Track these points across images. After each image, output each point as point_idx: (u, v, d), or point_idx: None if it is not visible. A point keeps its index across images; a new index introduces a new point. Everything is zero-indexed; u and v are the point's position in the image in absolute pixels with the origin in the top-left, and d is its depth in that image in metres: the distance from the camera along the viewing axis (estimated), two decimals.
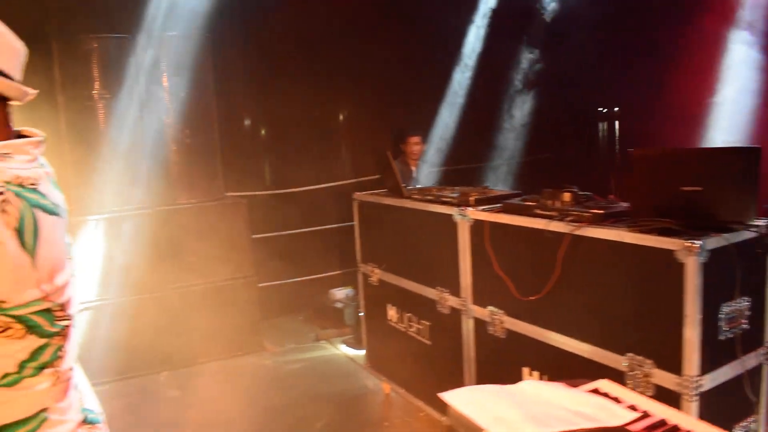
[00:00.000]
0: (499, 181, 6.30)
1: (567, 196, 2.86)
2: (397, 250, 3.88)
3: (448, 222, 3.32)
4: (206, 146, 5.05)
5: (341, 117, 6.19)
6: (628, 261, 2.43)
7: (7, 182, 1.18)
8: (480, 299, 3.23)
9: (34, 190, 1.22)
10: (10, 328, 1.17)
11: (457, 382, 3.41)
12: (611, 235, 2.49)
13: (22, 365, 1.21)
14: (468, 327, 3.31)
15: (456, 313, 3.39)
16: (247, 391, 4.57)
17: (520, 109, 6.42)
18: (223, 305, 5.06)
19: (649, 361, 2.41)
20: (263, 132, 5.94)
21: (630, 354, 2.47)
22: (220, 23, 5.13)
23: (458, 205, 3.27)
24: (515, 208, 2.98)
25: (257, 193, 5.73)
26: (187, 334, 4.95)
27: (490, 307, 3.13)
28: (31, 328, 1.20)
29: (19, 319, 1.18)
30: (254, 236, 5.37)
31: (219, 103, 5.11)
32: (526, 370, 2.99)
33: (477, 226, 3.16)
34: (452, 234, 3.30)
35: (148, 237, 4.82)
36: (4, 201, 1.15)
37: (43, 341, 1.23)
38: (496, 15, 6.24)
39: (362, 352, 4.99)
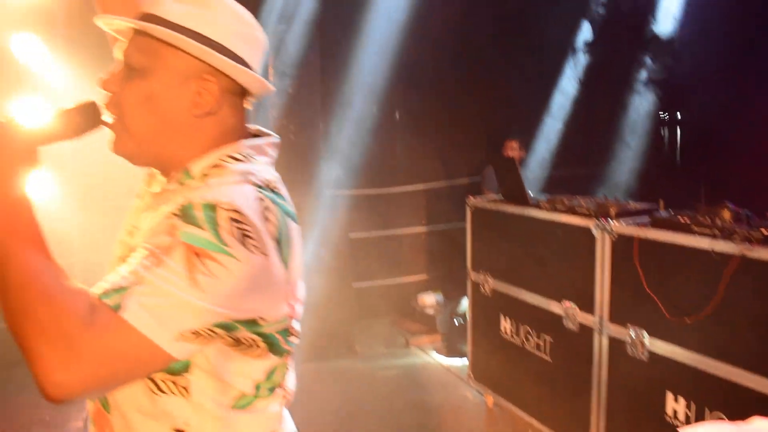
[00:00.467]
0: (604, 189, 6.10)
1: (727, 213, 2.69)
2: (516, 260, 3.74)
3: (585, 235, 3.17)
4: (310, 143, 5.00)
5: (438, 119, 6.09)
6: None
7: (261, 187, 1.10)
8: (618, 317, 3.07)
9: (280, 195, 1.14)
10: (254, 346, 1.10)
11: (582, 402, 3.28)
12: None
13: (258, 386, 1.14)
14: (601, 346, 3.16)
15: (586, 331, 3.24)
16: (346, 396, 4.49)
17: (627, 117, 6.22)
18: (316, 305, 5.00)
19: None
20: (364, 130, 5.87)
21: None
22: (328, 19, 5.08)
23: (597, 218, 3.12)
24: (668, 224, 2.81)
25: (354, 192, 5.67)
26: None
27: (631, 327, 2.97)
28: (271, 346, 1.12)
29: (265, 337, 1.10)
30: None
31: (324, 100, 5.07)
32: (670, 396, 2.83)
33: (621, 241, 3.00)
34: (589, 247, 3.15)
35: None
36: (266, 209, 1.07)
37: (277, 361, 1.16)
38: (606, 24, 6.07)
39: (455, 361, 4.90)
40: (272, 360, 1.14)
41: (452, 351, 5.03)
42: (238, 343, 1.07)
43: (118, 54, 1.18)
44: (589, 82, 6.14)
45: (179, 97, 1.13)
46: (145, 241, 1.02)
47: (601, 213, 3.13)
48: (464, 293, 5.22)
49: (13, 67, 4.77)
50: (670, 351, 2.81)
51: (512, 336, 3.82)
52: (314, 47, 4.94)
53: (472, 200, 4.10)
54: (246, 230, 1.01)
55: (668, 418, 2.83)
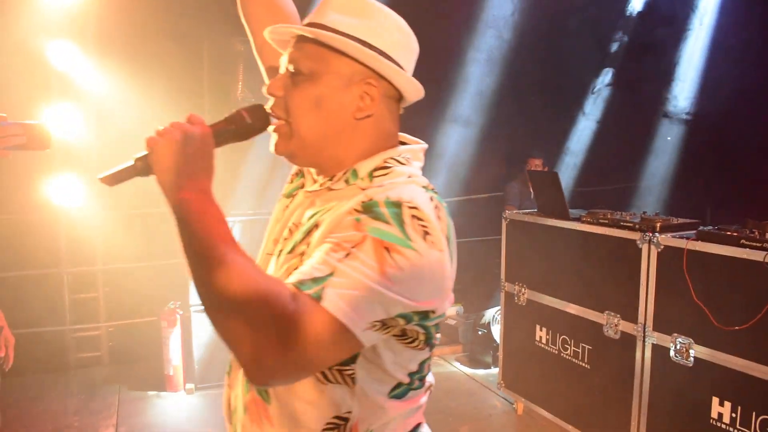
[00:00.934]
0: (628, 206, 6.28)
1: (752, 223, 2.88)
2: (554, 271, 3.89)
3: (630, 247, 3.33)
4: None
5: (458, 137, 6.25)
6: None
7: (426, 188, 1.20)
8: (661, 326, 3.23)
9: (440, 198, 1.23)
10: (416, 339, 1.17)
11: (623, 407, 3.42)
12: None
13: (411, 377, 1.22)
14: (644, 353, 3.31)
15: (628, 339, 3.39)
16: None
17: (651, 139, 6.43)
18: None
19: None
20: None
21: None
22: None
23: (643, 231, 3.29)
24: (716, 238, 2.99)
25: None
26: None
27: (677, 335, 3.13)
28: (427, 340, 1.19)
29: (426, 330, 1.17)
30: None
31: None
32: (716, 401, 2.98)
33: (667, 253, 3.17)
34: (633, 259, 3.31)
35: None
36: (436, 208, 1.15)
37: (428, 353, 1.24)
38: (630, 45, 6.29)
39: (478, 371, 5.02)
40: (425, 352, 1.22)
41: (475, 362, 5.16)
42: (403, 334, 1.14)
43: (282, 62, 1.27)
44: (612, 107, 6.35)
45: (345, 100, 1.21)
46: (328, 235, 1.09)
47: (646, 227, 3.30)
48: (485, 304, 5.38)
49: (50, 73, 4.84)
50: (716, 357, 2.96)
51: (548, 345, 3.96)
52: None
53: (508, 213, 4.25)
54: (426, 227, 1.08)
55: (713, 422, 2.98)
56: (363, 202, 1.11)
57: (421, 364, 1.24)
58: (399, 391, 1.21)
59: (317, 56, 1.21)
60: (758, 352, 2.79)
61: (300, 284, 1.00)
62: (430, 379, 1.31)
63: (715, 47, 5.93)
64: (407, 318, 1.09)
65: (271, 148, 1.27)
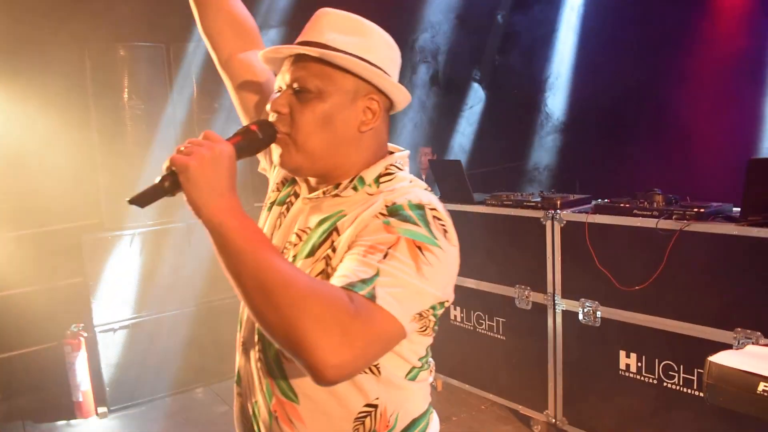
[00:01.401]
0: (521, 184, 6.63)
1: (659, 198, 3.28)
2: (464, 253, 4.10)
3: (535, 224, 3.65)
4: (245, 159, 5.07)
5: None
6: (736, 250, 2.87)
7: (426, 189, 1.33)
8: (569, 293, 3.57)
9: None
10: (429, 327, 1.27)
11: (540, 371, 3.75)
12: (719, 229, 2.93)
13: (421, 360, 1.36)
14: (555, 319, 3.65)
15: (539, 308, 3.72)
16: None
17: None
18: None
19: (757, 333, 2.85)
20: None
21: (738, 329, 2.91)
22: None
23: (545, 209, 3.61)
24: (613, 210, 3.36)
25: None
26: (218, 348, 4.94)
27: (585, 300, 3.48)
28: (434, 326, 1.31)
29: (436, 318, 1.27)
30: None
31: None
32: (623, 353, 3.37)
33: (569, 227, 3.51)
34: (538, 235, 3.63)
35: (178, 251, 4.79)
36: (432, 208, 1.23)
37: (431, 338, 1.36)
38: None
39: None
40: (431, 338, 1.35)
41: None
42: (424, 327, 1.25)
43: (281, 81, 1.33)
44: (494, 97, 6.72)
45: (350, 115, 1.30)
46: (357, 238, 1.19)
47: (548, 205, 3.63)
48: None
49: None
50: (620, 315, 3.35)
51: (463, 322, 4.23)
52: None
53: None
54: (444, 225, 1.21)
55: (622, 372, 3.37)
56: (387, 206, 1.21)
57: (427, 348, 1.37)
58: (413, 374, 1.34)
59: (323, 75, 1.28)
60: (656, 307, 3.20)
61: (351, 286, 1.07)
62: (431, 360, 1.44)
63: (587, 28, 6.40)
64: (434, 308, 1.20)
65: (276, 160, 1.33)
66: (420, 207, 1.20)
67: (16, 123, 4.43)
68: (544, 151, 6.38)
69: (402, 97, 1.37)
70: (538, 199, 3.73)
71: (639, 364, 3.30)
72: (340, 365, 1.00)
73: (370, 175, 1.33)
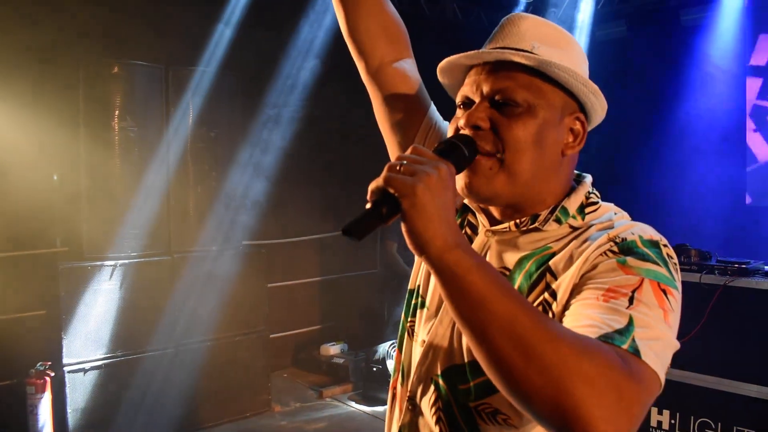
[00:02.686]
0: None
1: (694, 252, 3.30)
2: None
3: None
4: (227, 192, 4.81)
5: (329, 175, 6.20)
6: None
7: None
8: None
9: None
10: None
11: None
12: (764, 285, 2.96)
13: None
14: None
15: None
16: None
17: None
18: (232, 361, 4.76)
19: None
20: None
21: None
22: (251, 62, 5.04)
23: None
24: None
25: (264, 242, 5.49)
26: (195, 394, 4.57)
27: None
28: None
29: None
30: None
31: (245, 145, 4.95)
32: (654, 410, 3.30)
33: None
34: None
35: (162, 286, 4.45)
36: (665, 245, 1.09)
37: None
38: None
39: (376, 409, 4.98)
40: None
41: (370, 399, 5.10)
42: None
43: (467, 91, 1.15)
44: None
45: (558, 135, 1.13)
46: (584, 280, 1.02)
47: None
48: (373, 341, 5.37)
49: None
50: None
51: None
52: (232, 88, 4.85)
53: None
54: (677, 265, 1.06)
55: (653, 430, 3.29)
56: (615, 242, 1.04)
57: None
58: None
59: (533, 86, 1.10)
60: (695, 363, 3.18)
61: (608, 338, 0.89)
62: None
63: None
64: None
65: (461, 185, 1.12)
66: (655, 244, 1.03)
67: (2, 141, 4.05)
68: None
69: (601, 115, 1.20)
70: None
71: (672, 422, 3.23)
72: (623, 423, 0.82)
73: (572, 204, 1.14)
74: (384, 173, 0.92)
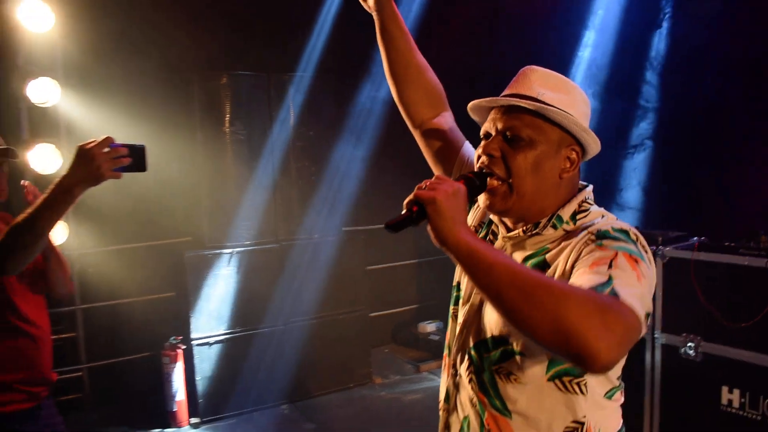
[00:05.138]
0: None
1: (764, 238, 3.37)
2: None
3: None
4: (327, 185, 5.28)
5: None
6: None
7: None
8: (670, 328, 3.65)
9: None
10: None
11: (635, 405, 3.81)
12: None
13: (617, 378, 1.51)
14: (654, 353, 3.72)
15: (638, 341, 3.79)
16: (384, 424, 4.77)
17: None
18: (336, 337, 5.26)
19: None
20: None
21: None
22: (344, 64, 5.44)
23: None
24: (719, 248, 3.46)
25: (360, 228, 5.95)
26: (302, 367, 5.10)
27: (686, 335, 3.56)
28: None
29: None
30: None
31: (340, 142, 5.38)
32: (725, 389, 3.43)
33: (672, 263, 3.60)
34: None
35: (271, 271, 4.99)
36: (634, 232, 1.38)
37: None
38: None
39: None
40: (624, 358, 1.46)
41: None
42: None
43: (488, 127, 1.51)
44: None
45: (555, 163, 1.46)
46: (579, 263, 1.31)
47: (649, 241, 3.72)
48: None
49: (33, 111, 4.70)
50: (724, 351, 3.41)
51: None
52: (332, 91, 5.27)
53: None
54: (645, 246, 1.35)
55: (723, 408, 3.42)
56: (593, 233, 1.35)
57: (621, 368, 1.51)
58: (610, 393, 1.48)
59: (535, 125, 1.44)
60: (763, 344, 3.26)
61: (595, 288, 1.18)
62: (622, 382, 1.57)
63: None
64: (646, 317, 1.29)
65: (485, 204, 1.49)
66: (624, 230, 1.35)
67: (131, 140, 4.69)
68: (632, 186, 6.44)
69: (595, 148, 1.52)
70: None
71: (742, 400, 3.35)
72: (608, 349, 1.08)
73: (566, 213, 1.48)
74: (414, 191, 1.31)
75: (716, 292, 3.43)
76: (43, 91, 4.66)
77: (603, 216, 1.49)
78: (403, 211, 1.32)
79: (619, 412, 1.55)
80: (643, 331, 1.22)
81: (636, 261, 1.27)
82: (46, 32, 4.63)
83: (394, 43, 1.83)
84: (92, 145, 1.84)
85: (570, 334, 1.09)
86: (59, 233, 4.72)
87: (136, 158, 1.91)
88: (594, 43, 5.98)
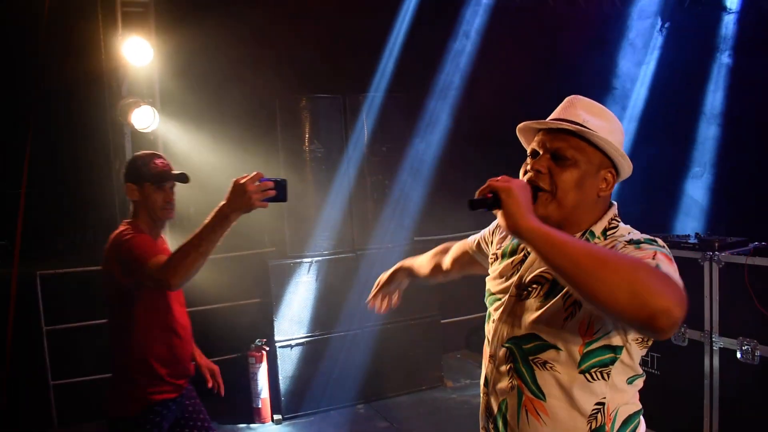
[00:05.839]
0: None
1: None
2: None
3: (692, 265, 3.85)
4: (399, 197, 5.60)
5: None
6: None
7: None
8: (727, 331, 3.73)
9: None
10: (646, 339, 1.63)
11: (695, 408, 3.89)
12: None
13: (640, 366, 1.70)
14: (712, 357, 3.81)
15: (695, 345, 3.89)
16: (454, 424, 5.00)
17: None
18: (408, 342, 5.54)
19: None
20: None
21: None
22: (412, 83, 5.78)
23: (703, 251, 3.82)
24: None
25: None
26: (375, 369, 5.41)
27: (743, 338, 3.64)
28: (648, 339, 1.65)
29: None
30: None
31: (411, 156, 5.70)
32: None
33: (728, 268, 3.69)
34: (695, 275, 3.83)
35: (347, 278, 5.34)
36: (661, 243, 1.58)
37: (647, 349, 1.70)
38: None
39: None
40: (646, 349, 1.69)
41: None
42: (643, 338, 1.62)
43: (534, 146, 1.75)
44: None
45: (594, 183, 1.68)
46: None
47: (706, 247, 3.83)
48: None
49: (134, 134, 5.28)
50: None
51: None
52: (401, 110, 5.61)
53: None
54: (665, 248, 1.54)
55: None
56: (627, 242, 1.56)
57: (642, 358, 1.73)
58: (632, 379, 1.69)
59: (579, 148, 1.68)
60: None
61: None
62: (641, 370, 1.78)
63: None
64: None
65: (536, 209, 1.69)
66: (654, 240, 1.56)
67: (220, 160, 5.19)
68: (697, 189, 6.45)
69: (628, 171, 1.75)
70: (695, 241, 3.93)
71: None
72: (678, 307, 1.25)
73: (598, 228, 1.71)
74: (488, 182, 1.56)
75: None
76: (144, 118, 5.22)
77: (630, 232, 1.69)
78: (479, 197, 1.57)
79: (638, 396, 1.76)
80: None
81: (670, 260, 1.48)
82: (146, 66, 5.21)
83: (420, 280, 2.55)
84: (245, 179, 2.26)
85: (646, 294, 1.26)
86: None
87: (279, 190, 2.31)
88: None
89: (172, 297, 2.83)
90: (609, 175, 1.71)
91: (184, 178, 2.80)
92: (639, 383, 1.74)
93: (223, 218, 2.29)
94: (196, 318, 5.50)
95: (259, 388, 5.09)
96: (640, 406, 1.76)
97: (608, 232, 1.70)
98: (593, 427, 1.66)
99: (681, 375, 4.01)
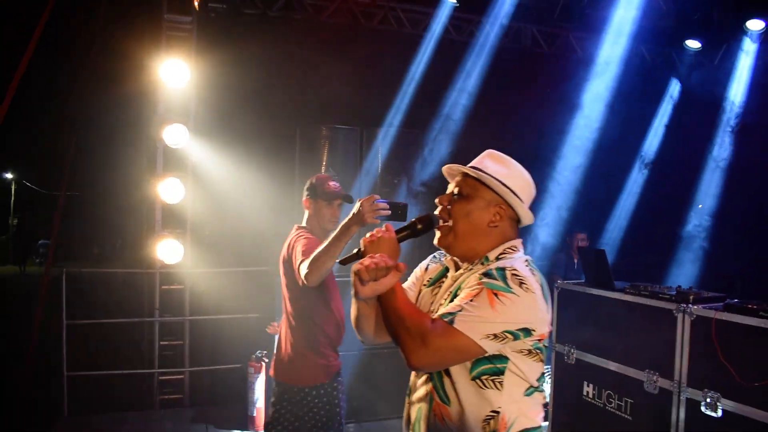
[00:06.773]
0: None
1: None
2: (599, 334, 4.52)
3: (667, 315, 3.97)
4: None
5: None
6: None
7: (526, 259, 1.99)
8: (694, 383, 3.82)
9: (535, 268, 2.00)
10: (537, 354, 1.90)
11: None
12: None
13: (537, 380, 1.93)
14: (679, 406, 3.89)
15: (665, 393, 3.98)
16: None
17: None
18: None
19: None
20: None
21: None
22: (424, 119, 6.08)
23: (678, 302, 3.93)
24: (741, 310, 3.62)
25: None
26: (370, 391, 5.61)
27: (707, 390, 3.72)
28: (541, 356, 1.92)
29: (540, 349, 1.91)
30: None
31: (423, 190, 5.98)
32: None
33: (699, 321, 3.79)
34: (670, 326, 3.94)
35: (347, 298, 5.57)
36: (531, 268, 1.94)
37: (543, 367, 1.95)
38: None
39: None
40: (542, 366, 1.94)
41: None
42: (529, 352, 1.88)
43: (451, 186, 2.09)
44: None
45: (484, 215, 2.04)
46: (463, 293, 1.89)
47: (681, 299, 3.94)
48: None
49: (166, 152, 5.70)
50: (741, 409, 3.54)
51: (594, 399, 4.55)
52: (419, 144, 5.89)
53: (558, 282, 4.91)
54: (521, 279, 1.86)
55: None
56: (485, 271, 1.91)
57: (541, 374, 1.96)
58: (529, 391, 1.92)
59: (474, 186, 2.06)
60: None
61: (442, 316, 1.86)
62: (545, 388, 2.01)
63: None
64: (514, 335, 1.83)
65: (435, 241, 2.08)
66: (502, 269, 1.89)
67: (239, 183, 5.56)
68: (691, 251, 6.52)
69: (524, 213, 2.07)
70: (674, 293, 4.04)
71: None
72: (421, 359, 1.82)
73: (492, 254, 2.04)
74: (420, 215, 2.05)
75: (735, 350, 3.59)
76: (176, 135, 5.65)
77: (512, 259, 1.99)
78: (355, 250, 2.00)
79: (538, 410, 1.98)
80: (485, 345, 1.82)
81: (497, 295, 1.83)
82: (182, 87, 5.64)
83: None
84: (363, 199, 2.89)
85: (400, 345, 1.84)
86: (176, 253, 5.64)
87: (396, 211, 2.81)
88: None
89: (333, 288, 3.56)
90: (501, 209, 2.03)
91: (349, 199, 3.47)
92: (538, 397, 1.97)
93: (344, 228, 2.94)
94: (208, 327, 5.89)
95: (255, 397, 5.35)
96: (539, 424, 1.96)
97: (500, 257, 2.01)
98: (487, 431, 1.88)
99: (651, 422, 4.09)
